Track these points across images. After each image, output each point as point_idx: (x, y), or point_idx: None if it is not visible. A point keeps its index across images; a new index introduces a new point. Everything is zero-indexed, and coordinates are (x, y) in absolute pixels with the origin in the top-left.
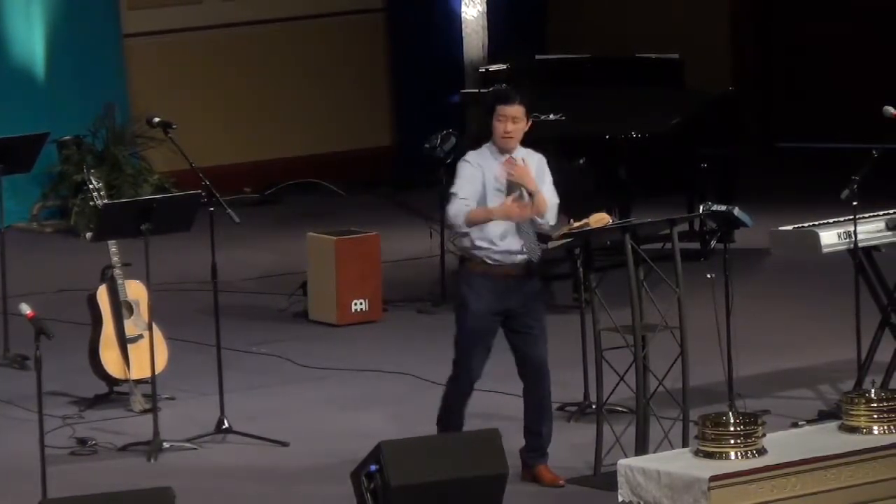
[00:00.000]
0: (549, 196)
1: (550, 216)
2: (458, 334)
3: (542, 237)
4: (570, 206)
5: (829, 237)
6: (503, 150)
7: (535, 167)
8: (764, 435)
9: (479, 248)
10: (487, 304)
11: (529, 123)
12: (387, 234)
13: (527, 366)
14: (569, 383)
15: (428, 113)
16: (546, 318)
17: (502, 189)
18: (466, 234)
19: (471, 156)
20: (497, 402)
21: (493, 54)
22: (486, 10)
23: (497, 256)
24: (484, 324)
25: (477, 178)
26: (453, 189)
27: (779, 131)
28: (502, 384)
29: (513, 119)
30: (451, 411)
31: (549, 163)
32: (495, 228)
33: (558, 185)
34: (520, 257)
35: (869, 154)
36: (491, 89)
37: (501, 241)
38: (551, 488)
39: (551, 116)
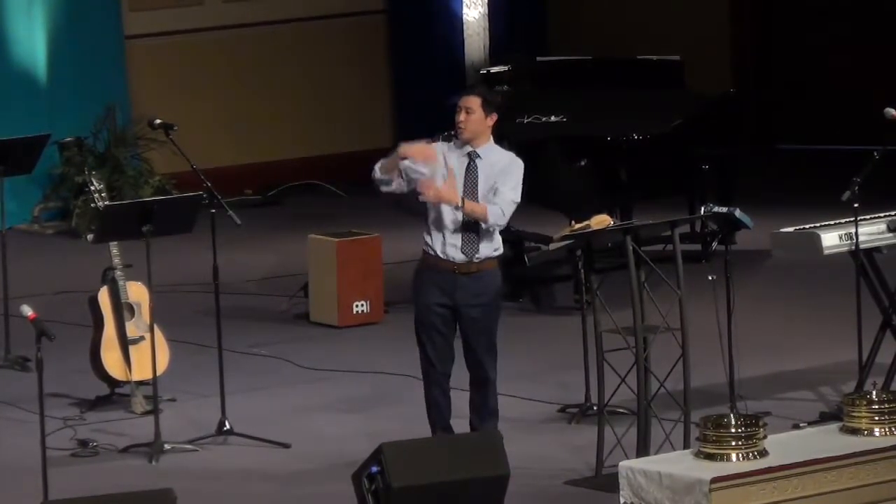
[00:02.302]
0: (506, 196)
1: (496, 219)
2: (416, 329)
3: (544, 239)
4: (572, 207)
5: (831, 239)
6: (462, 142)
7: (502, 167)
8: (765, 436)
9: (429, 243)
10: (432, 295)
11: (492, 118)
12: (388, 236)
13: (469, 362)
14: (570, 385)
15: (429, 114)
16: (498, 322)
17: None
18: (426, 226)
19: (439, 143)
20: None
21: (494, 56)
22: (487, 11)
23: (445, 250)
24: (429, 315)
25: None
26: None
27: (779, 133)
28: (503, 385)
29: (466, 109)
30: (428, 408)
31: (550, 164)
32: (443, 225)
33: (560, 186)
34: (461, 255)
35: (870, 156)
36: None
37: (448, 238)
38: (554, 488)
39: (552, 118)
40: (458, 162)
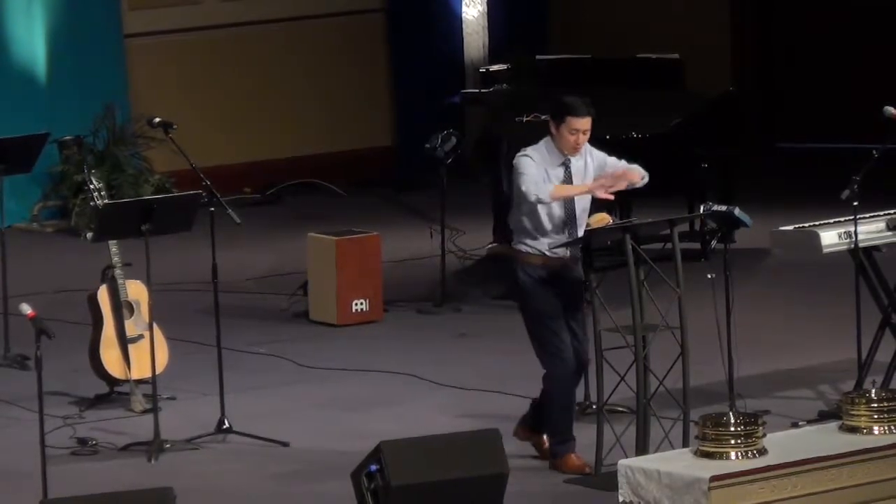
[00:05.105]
0: (621, 163)
1: (640, 174)
2: (532, 324)
3: None
4: None
5: (830, 237)
6: (567, 156)
7: (597, 157)
8: (764, 435)
9: (537, 240)
10: (547, 287)
11: None
12: (387, 235)
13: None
14: None
15: (428, 113)
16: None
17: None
18: (525, 231)
19: (531, 151)
20: (497, 403)
21: (493, 54)
22: (486, 10)
23: (553, 248)
24: (553, 303)
25: (540, 172)
26: (525, 175)
27: (779, 131)
28: (502, 384)
29: (584, 132)
30: (562, 407)
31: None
32: (549, 223)
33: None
34: (564, 250)
35: (869, 154)
36: (565, 99)
37: (555, 235)
38: (553, 487)
39: None
40: (552, 174)
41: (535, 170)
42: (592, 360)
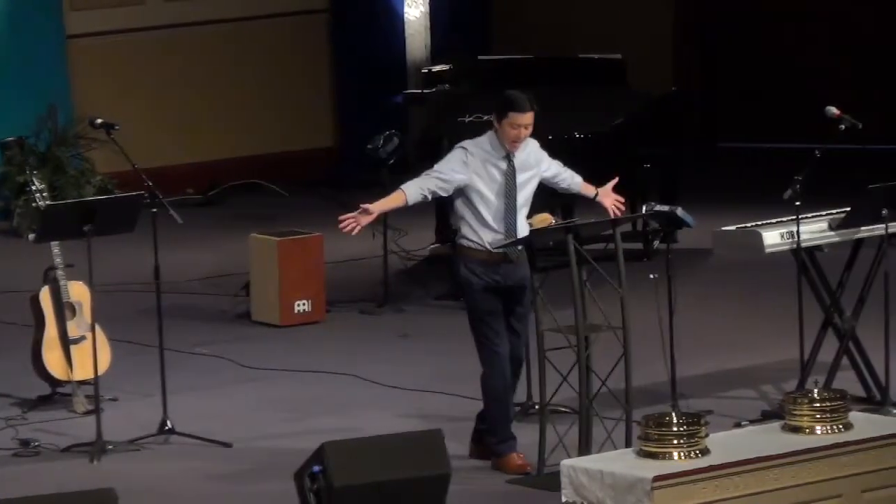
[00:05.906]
0: (555, 164)
1: (572, 175)
2: (473, 320)
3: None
4: None
5: (772, 237)
6: (508, 151)
7: (536, 151)
8: (707, 435)
9: (477, 234)
10: (487, 283)
11: None
12: (330, 235)
13: (510, 355)
14: None
15: (370, 114)
16: (530, 309)
17: (492, 182)
18: (467, 224)
19: (469, 143)
20: (439, 403)
21: (435, 54)
22: (428, 10)
23: (496, 248)
24: (493, 300)
25: (463, 167)
26: (437, 165)
27: (721, 131)
28: (444, 385)
29: (525, 126)
30: (499, 406)
31: None
32: (487, 213)
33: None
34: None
35: (811, 154)
36: (507, 94)
37: (496, 231)
38: (496, 487)
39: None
40: (494, 167)
41: (453, 164)
42: (535, 360)
